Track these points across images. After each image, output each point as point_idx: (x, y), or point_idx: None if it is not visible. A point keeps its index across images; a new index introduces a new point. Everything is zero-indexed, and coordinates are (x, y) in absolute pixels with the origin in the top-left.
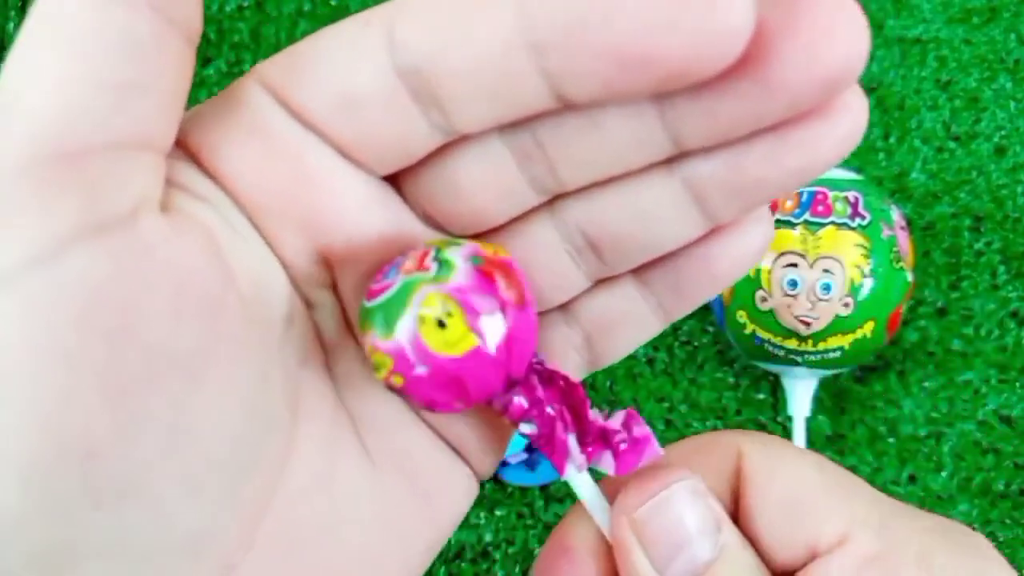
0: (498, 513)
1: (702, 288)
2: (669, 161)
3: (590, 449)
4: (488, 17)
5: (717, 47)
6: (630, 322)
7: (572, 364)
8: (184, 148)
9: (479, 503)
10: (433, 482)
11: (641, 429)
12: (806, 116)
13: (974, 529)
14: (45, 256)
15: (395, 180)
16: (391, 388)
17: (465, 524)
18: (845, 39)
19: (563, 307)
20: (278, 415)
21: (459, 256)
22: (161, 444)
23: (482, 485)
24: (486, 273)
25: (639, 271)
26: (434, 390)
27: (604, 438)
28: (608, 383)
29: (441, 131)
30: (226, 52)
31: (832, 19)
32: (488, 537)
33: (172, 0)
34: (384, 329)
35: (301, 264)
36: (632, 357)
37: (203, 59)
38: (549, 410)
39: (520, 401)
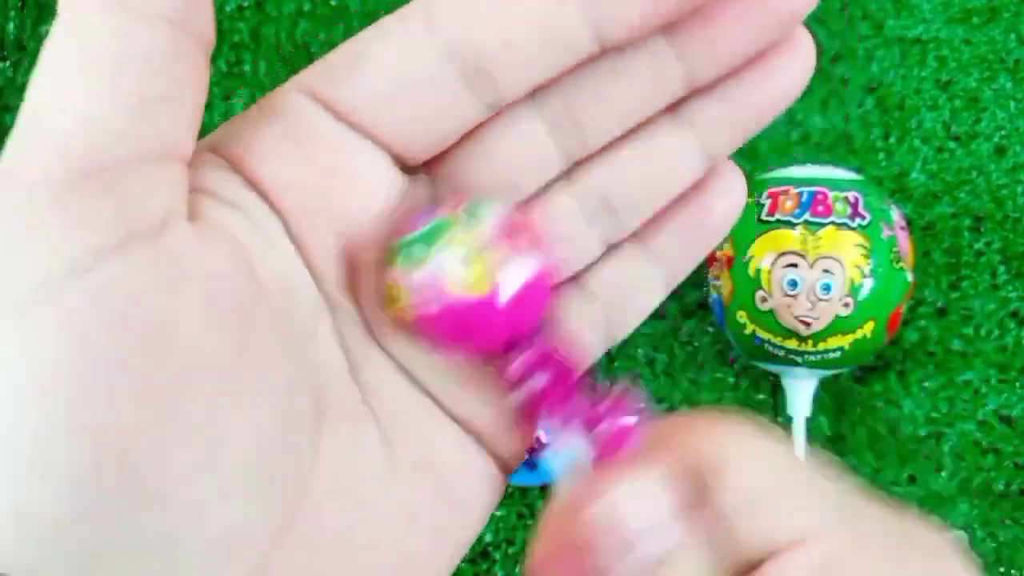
0: (498, 513)
1: (701, 242)
2: (674, 107)
3: (573, 430)
4: None
5: None
6: (639, 289)
7: (593, 340)
8: (225, 156)
9: None
10: (459, 480)
11: (626, 420)
12: (778, 46)
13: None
14: (80, 267)
15: (425, 165)
16: (399, 322)
17: None
18: None
19: (578, 282)
20: (305, 418)
21: (491, 210)
22: (197, 447)
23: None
24: (513, 228)
25: (642, 236)
26: (441, 329)
27: (588, 424)
28: (608, 384)
29: (487, 107)
30: (226, 52)
31: None
32: (488, 537)
33: (189, 13)
34: (407, 263)
35: (332, 269)
36: (632, 357)
37: None
38: (539, 381)
39: (516, 366)
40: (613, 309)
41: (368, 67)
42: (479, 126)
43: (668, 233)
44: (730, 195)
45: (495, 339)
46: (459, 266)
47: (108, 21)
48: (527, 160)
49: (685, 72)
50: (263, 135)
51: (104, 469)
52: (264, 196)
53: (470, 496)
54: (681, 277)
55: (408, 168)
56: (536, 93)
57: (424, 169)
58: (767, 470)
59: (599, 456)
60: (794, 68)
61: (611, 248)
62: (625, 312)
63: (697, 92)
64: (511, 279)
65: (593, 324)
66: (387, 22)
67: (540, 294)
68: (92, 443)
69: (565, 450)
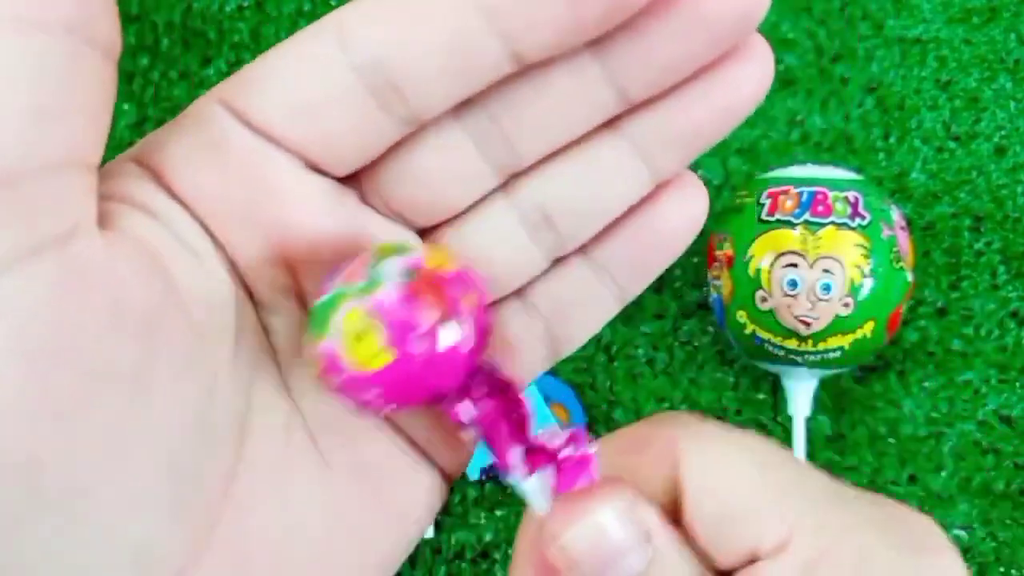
0: (498, 513)
1: (653, 257)
2: (613, 122)
3: (533, 460)
4: None
5: None
6: (587, 304)
7: (536, 355)
8: (147, 168)
9: (479, 503)
10: (394, 484)
11: (583, 450)
12: (726, 58)
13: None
14: None
15: (354, 177)
16: (323, 386)
17: (465, 524)
18: None
19: (521, 296)
20: (225, 427)
21: (393, 269)
22: (105, 458)
23: (482, 485)
24: (412, 291)
25: (591, 250)
26: (358, 395)
27: (548, 453)
28: (608, 383)
29: (402, 122)
30: (226, 52)
31: None
32: (488, 537)
33: (88, 21)
34: (314, 333)
35: (263, 272)
36: (632, 357)
37: (203, 59)
38: (489, 416)
39: (460, 409)
40: (557, 323)
41: (279, 80)
42: (403, 140)
43: (617, 247)
44: (685, 210)
45: (417, 397)
46: (355, 341)
47: (2, 35)
48: (454, 174)
49: (616, 89)
50: (181, 145)
51: (8, 475)
52: (186, 205)
53: (407, 504)
54: (634, 292)
55: (338, 179)
56: (460, 108)
57: (352, 182)
58: (743, 475)
59: (561, 485)
60: (745, 80)
61: (557, 261)
62: (570, 327)
63: (636, 107)
64: (412, 344)
65: (536, 338)
66: (301, 35)
67: (457, 344)
68: None
69: (528, 480)
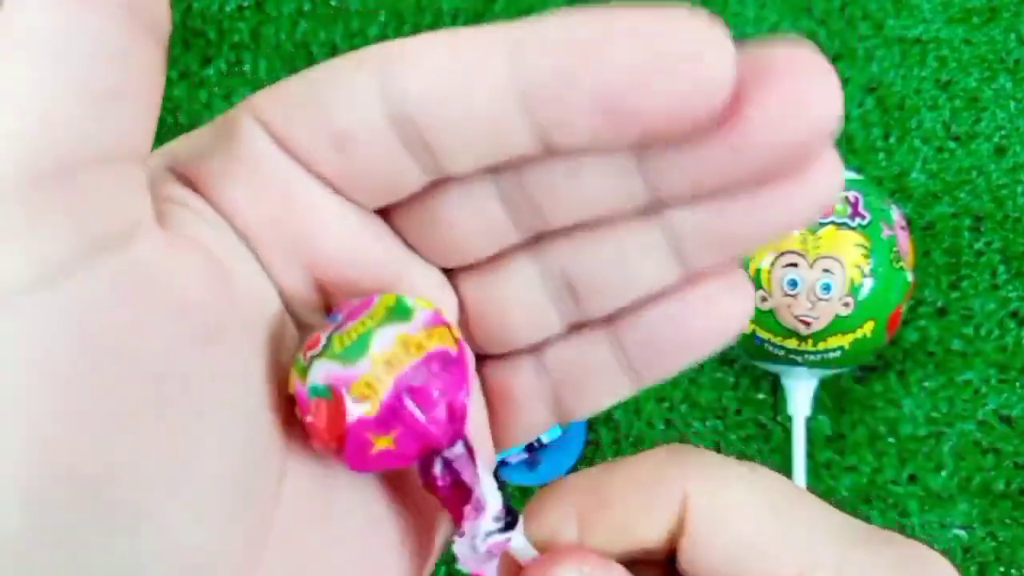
0: None
1: (674, 351)
2: (648, 210)
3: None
4: (480, 66)
5: (699, 99)
6: (599, 378)
7: (537, 417)
8: (180, 175)
9: None
10: (424, 497)
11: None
12: (781, 175)
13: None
14: (43, 282)
15: (383, 212)
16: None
17: None
18: (817, 103)
19: (534, 354)
20: (275, 439)
21: (378, 343)
22: (168, 468)
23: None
24: (408, 360)
25: (613, 325)
26: (346, 453)
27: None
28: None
29: (430, 172)
30: (226, 52)
31: (805, 82)
32: None
33: (143, 2)
34: (299, 383)
35: (298, 290)
36: None
37: (203, 59)
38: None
39: (430, 480)
40: (565, 389)
41: (316, 107)
42: (434, 186)
43: (641, 331)
44: (723, 309)
45: (386, 466)
46: (320, 409)
47: (57, 13)
48: (480, 226)
49: (650, 190)
50: (216, 158)
51: (72, 491)
52: (223, 215)
53: (434, 514)
54: (651, 381)
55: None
56: (491, 168)
57: (383, 216)
58: (754, 520)
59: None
60: (798, 202)
61: (577, 327)
62: (578, 396)
63: (671, 204)
64: (401, 402)
65: (540, 399)
66: (345, 63)
67: (419, 423)
68: (55, 463)
69: (512, 541)
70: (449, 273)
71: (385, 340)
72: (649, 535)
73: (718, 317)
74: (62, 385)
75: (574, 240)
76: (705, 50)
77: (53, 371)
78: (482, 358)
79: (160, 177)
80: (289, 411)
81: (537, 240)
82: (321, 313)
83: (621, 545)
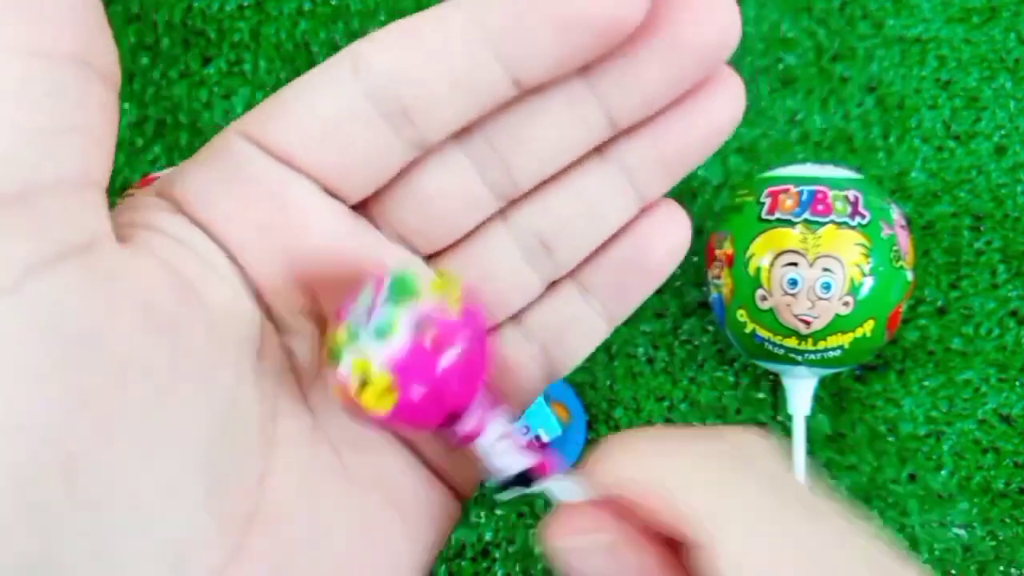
0: (498, 512)
1: (639, 282)
2: (602, 149)
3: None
4: (441, 24)
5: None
6: (579, 328)
7: (533, 377)
8: (168, 198)
9: (479, 502)
10: (412, 500)
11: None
12: (701, 88)
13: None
14: (8, 286)
15: (363, 206)
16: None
17: (465, 523)
18: (722, 13)
19: (518, 322)
20: (252, 433)
21: (404, 319)
22: (139, 453)
23: (482, 483)
24: (421, 343)
25: (581, 277)
26: (373, 424)
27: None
28: (608, 382)
29: (412, 145)
30: (226, 52)
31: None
32: (488, 536)
33: (90, 50)
34: (331, 363)
35: (283, 295)
36: (632, 356)
37: (203, 59)
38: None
39: (463, 427)
40: (552, 347)
41: (297, 107)
42: (410, 167)
43: (605, 274)
44: (669, 235)
45: (428, 425)
46: (360, 388)
47: (14, 63)
48: (456, 197)
49: (605, 113)
50: (201, 174)
51: (45, 471)
52: (208, 231)
53: (424, 519)
54: (622, 316)
55: (351, 207)
56: (462, 135)
57: (363, 210)
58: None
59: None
60: (721, 106)
61: (549, 288)
62: (564, 350)
63: (623, 133)
64: (415, 391)
65: (532, 361)
66: (318, 68)
67: (459, 377)
68: (31, 444)
69: (555, 486)
70: (428, 260)
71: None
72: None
73: (668, 243)
74: (33, 372)
75: (543, 197)
76: None
77: (23, 360)
78: None
79: (144, 203)
80: (274, 409)
81: (507, 210)
82: (307, 317)
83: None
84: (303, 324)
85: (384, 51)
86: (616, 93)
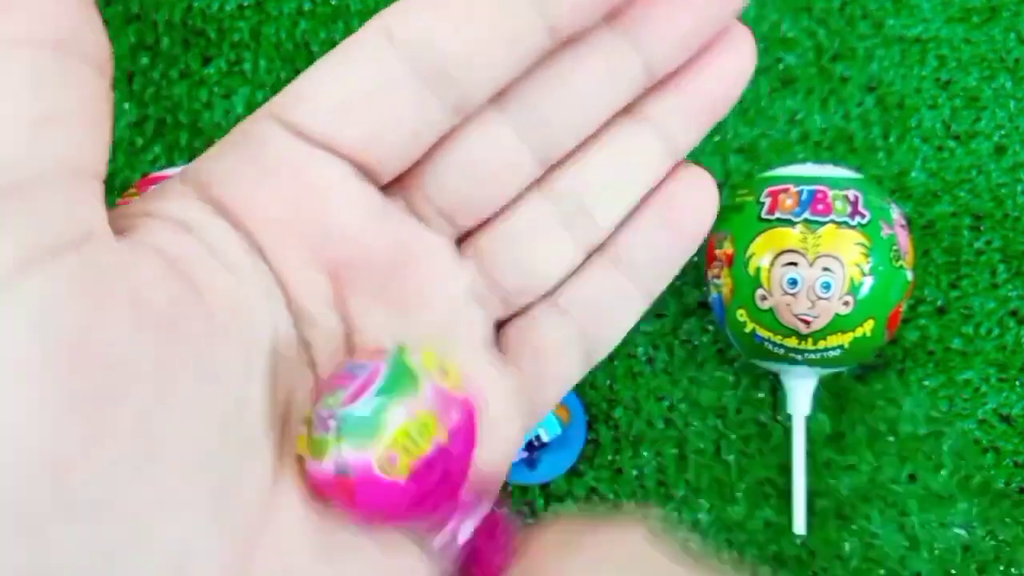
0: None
1: (675, 249)
2: (632, 109)
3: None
4: None
5: None
6: (616, 303)
7: (572, 359)
8: (192, 184)
9: None
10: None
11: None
12: (717, 43)
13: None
14: (0, 282)
15: (400, 183)
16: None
17: None
18: None
19: (553, 301)
20: (261, 435)
21: (390, 416)
22: (132, 455)
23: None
24: (386, 465)
25: (615, 250)
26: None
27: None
28: (608, 382)
29: (453, 110)
30: (226, 51)
31: None
32: None
33: (76, 37)
34: (309, 451)
35: (306, 283)
36: (632, 356)
37: (203, 58)
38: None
39: (441, 540)
40: (590, 326)
41: (328, 83)
42: (447, 136)
43: (639, 244)
44: (699, 200)
45: (397, 520)
46: (337, 478)
47: None
48: (501, 165)
49: (642, 62)
50: (228, 158)
51: (34, 479)
52: (232, 218)
53: (415, 559)
54: (659, 287)
55: (383, 187)
56: (500, 98)
57: (399, 187)
58: None
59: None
60: (738, 55)
61: (583, 264)
62: (602, 327)
63: (651, 89)
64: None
65: (570, 341)
66: (344, 43)
67: (428, 489)
68: (18, 451)
69: None
70: (465, 238)
71: (398, 416)
72: None
73: (699, 206)
74: (22, 374)
75: (580, 161)
76: None
77: (12, 361)
78: (504, 323)
79: (167, 189)
80: (287, 409)
81: (544, 176)
82: (330, 307)
83: None
84: (326, 315)
85: (416, 13)
86: (653, 41)
